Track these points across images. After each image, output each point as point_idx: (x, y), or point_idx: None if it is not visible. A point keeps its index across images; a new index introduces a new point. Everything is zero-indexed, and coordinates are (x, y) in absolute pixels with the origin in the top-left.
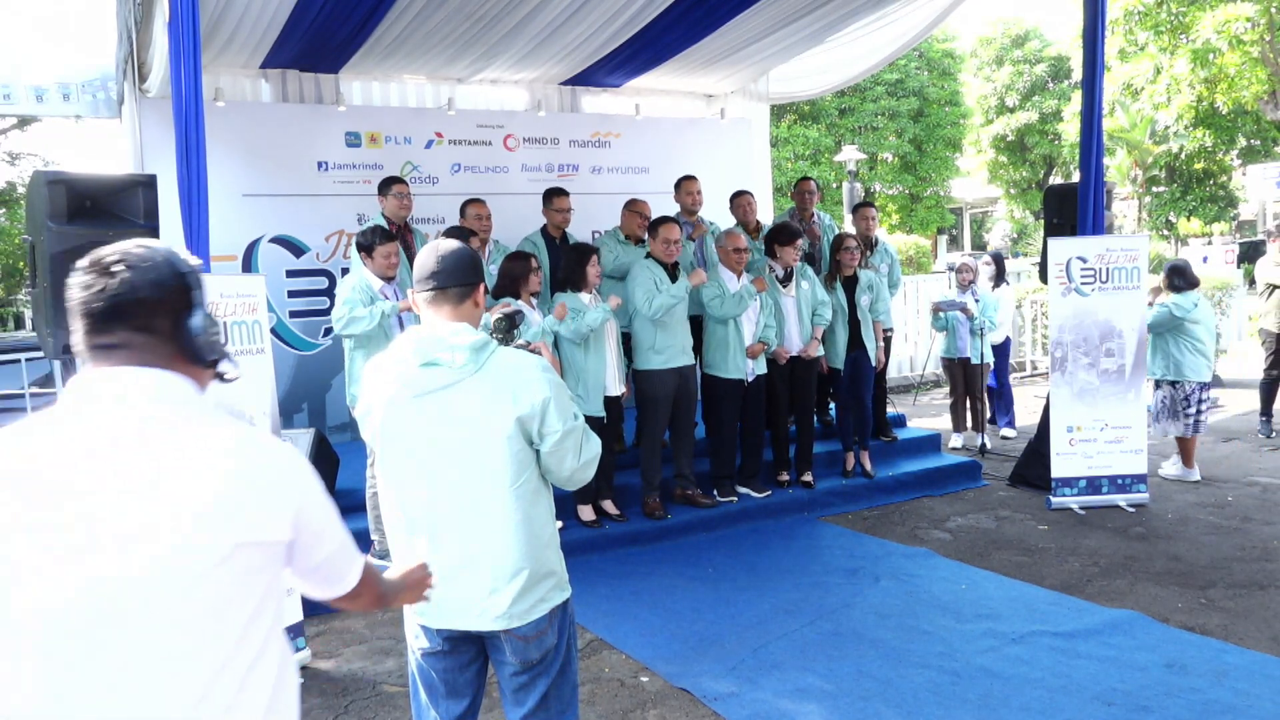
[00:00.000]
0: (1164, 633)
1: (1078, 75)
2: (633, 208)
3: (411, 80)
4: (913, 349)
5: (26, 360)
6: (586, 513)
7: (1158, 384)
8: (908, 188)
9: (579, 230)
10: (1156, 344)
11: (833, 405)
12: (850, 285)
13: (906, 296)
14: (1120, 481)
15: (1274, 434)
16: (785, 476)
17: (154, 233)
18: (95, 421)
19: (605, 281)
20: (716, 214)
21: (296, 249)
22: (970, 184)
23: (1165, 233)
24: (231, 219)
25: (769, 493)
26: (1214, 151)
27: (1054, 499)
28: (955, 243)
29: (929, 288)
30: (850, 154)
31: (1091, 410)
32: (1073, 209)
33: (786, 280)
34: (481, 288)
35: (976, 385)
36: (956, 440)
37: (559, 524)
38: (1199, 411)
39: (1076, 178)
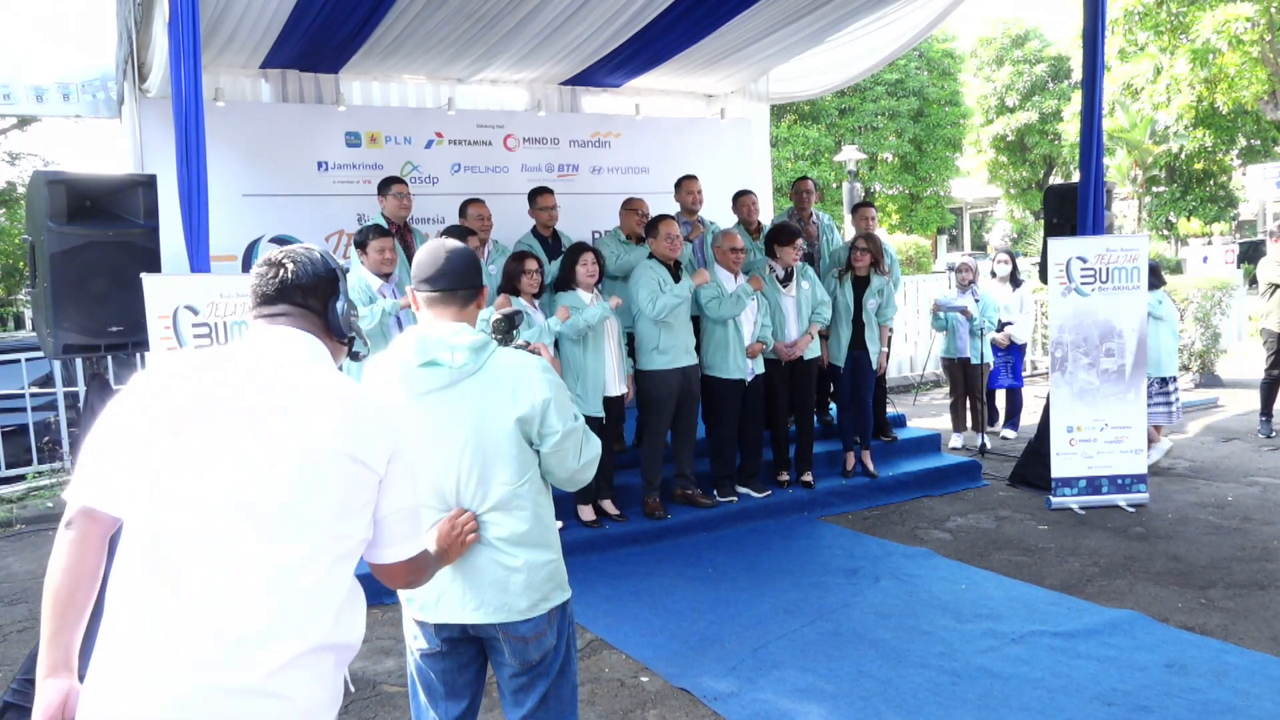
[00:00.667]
0: (1164, 633)
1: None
2: (630, 206)
3: (411, 80)
4: (913, 349)
5: (26, 360)
6: (586, 513)
7: None
8: (908, 188)
9: (579, 231)
10: None
11: (833, 405)
12: (860, 286)
13: (906, 296)
14: (1120, 481)
15: (1274, 434)
16: (785, 476)
17: (154, 233)
18: (259, 358)
19: (609, 282)
20: (717, 214)
21: None
22: (970, 184)
23: (1165, 233)
24: (231, 219)
25: (769, 493)
26: (1214, 151)
27: (1054, 499)
28: (955, 243)
29: (929, 288)
30: (850, 154)
31: (1091, 410)
32: (1073, 209)
33: (787, 280)
34: (485, 291)
35: (977, 385)
36: (956, 440)
37: (559, 524)
38: (1172, 400)
39: (1076, 178)
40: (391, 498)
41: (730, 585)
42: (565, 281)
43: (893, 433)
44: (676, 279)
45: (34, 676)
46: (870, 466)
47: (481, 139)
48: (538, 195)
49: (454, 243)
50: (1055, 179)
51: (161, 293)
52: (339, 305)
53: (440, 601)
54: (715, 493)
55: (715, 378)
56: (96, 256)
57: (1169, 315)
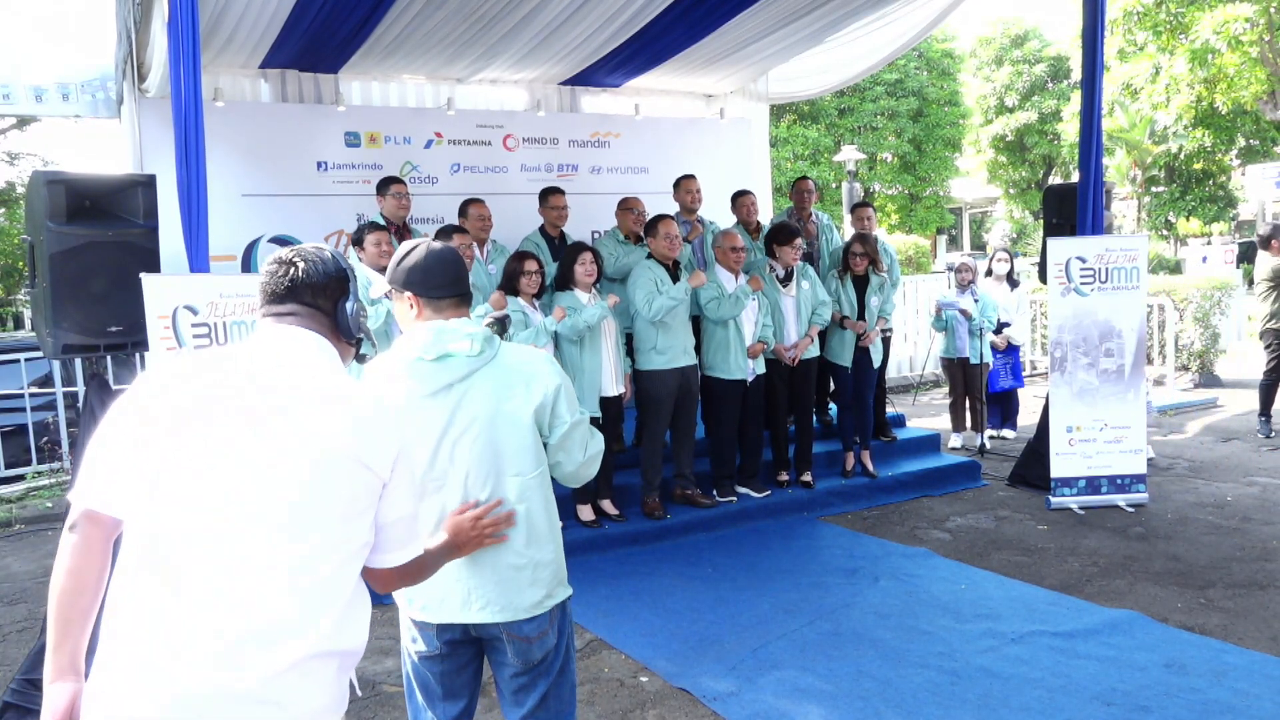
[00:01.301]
0: (1163, 633)
1: (1077, 75)
2: (626, 206)
3: (411, 80)
4: (912, 349)
5: (26, 360)
6: (586, 513)
7: None
8: (907, 188)
9: (579, 230)
10: None
11: (833, 405)
12: (861, 285)
13: (906, 296)
14: (1120, 481)
15: (1273, 434)
16: (785, 476)
17: (153, 233)
18: (263, 358)
19: (608, 283)
20: (716, 214)
21: None
22: (969, 184)
23: (1164, 233)
24: (231, 219)
25: (768, 493)
26: (1213, 151)
27: (1053, 499)
28: (955, 243)
29: (928, 287)
30: (850, 154)
31: (1091, 410)
32: (1072, 209)
33: (786, 280)
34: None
35: (976, 385)
36: (956, 440)
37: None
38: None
39: (1076, 178)
40: (393, 503)
41: (730, 585)
42: (564, 281)
43: (892, 433)
44: (675, 279)
45: (34, 676)
46: (870, 466)
47: (481, 139)
48: (549, 195)
49: (452, 249)
50: (1055, 179)
51: (161, 293)
52: (349, 306)
53: (444, 602)
54: (715, 493)
55: (716, 378)
56: (96, 256)
57: None
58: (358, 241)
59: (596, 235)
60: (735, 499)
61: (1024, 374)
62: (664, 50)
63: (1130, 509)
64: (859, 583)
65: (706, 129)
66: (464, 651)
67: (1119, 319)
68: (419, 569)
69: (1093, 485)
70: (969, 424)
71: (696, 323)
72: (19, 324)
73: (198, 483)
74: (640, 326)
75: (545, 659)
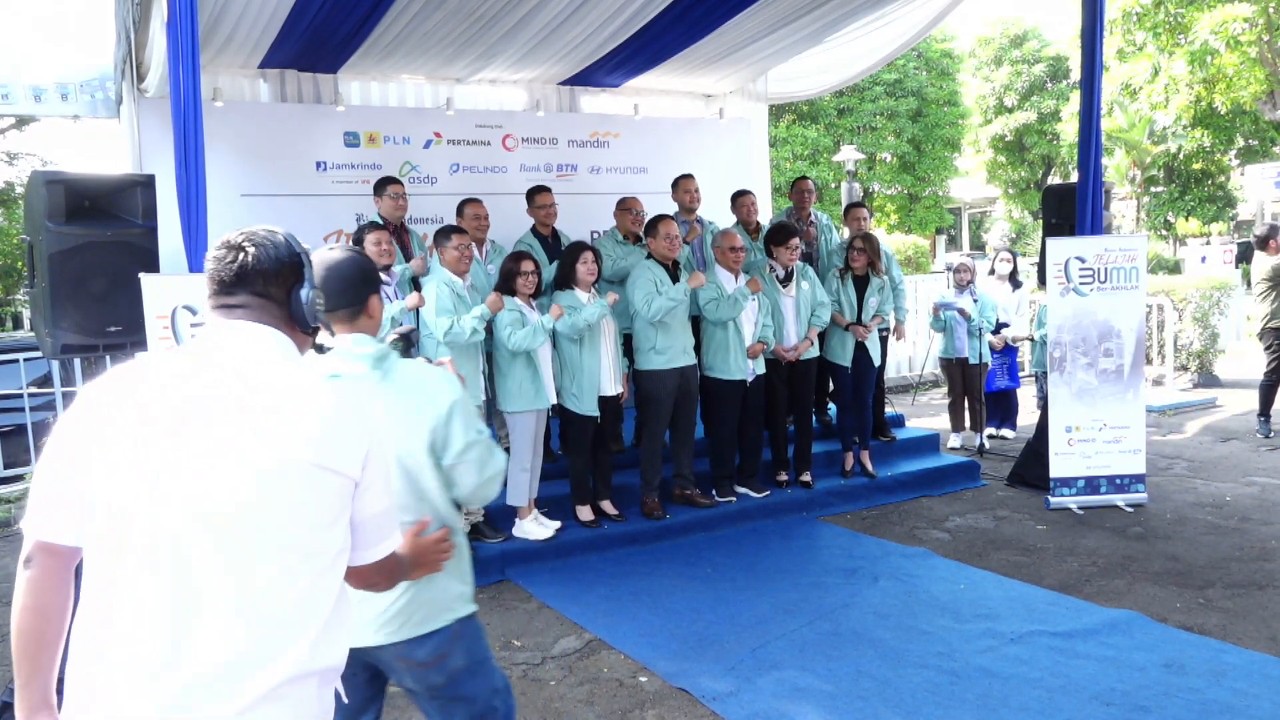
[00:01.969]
0: (1162, 633)
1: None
2: (624, 206)
3: (410, 80)
4: (911, 349)
5: (25, 360)
6: (585, 513)
7: (1044, 373)
8: (906, 188)
9: (577, 230)
10: (1043, 339)
11: (832, 405)
12: (861, 285)
13: (905, 295)
14: (1119, 481)
15: (1272, 434)
16: (784, 476)
17: (152, 233)
18: (217, 361)
19: (605, 284)
20: (715, 214)
21: None
22: (969, 184)
23: (1164, 233)
24: (230, 219)
25: (768, 493)
26: (1212, 152)
27: (1052, 499)
28: (954, 243)
29: (928, 287)
30: (849, 154)
31: (1090, 410)
32: (1071, 209)
33: (786, 280)
34: (373, 299)
35: (975, 385)
36: (955, 440)
37: (557, 524)
38: None
39: (1075, 178)
40: (368, 501)
41: (729, 585)
42: (564, 280)
43: (891, 433)
44: (675, 279)
45: None
46: (869, 466)
47: (480, 139)
48: (535, 194)
49: (338, 255)
50: (1054, 179)
51: (160, 293)
52: (304, 293)
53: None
54: (714, 493)
55: (716, 379)
56: (95, 256)
57: None
58: (358, 241)
59: (596, 235)
60: (734, 499)
61: (1022, 374)
62: (663, 50)
63: (1129, 509)
64: (858, 583)
65: (706, 129)
66: (361, 672)
67: (1118, 319)
68: (391, 569)
69: (1092, 485)
70: (968, 424)
71: (696, 323)
72: (18, 324)
73: (152, 503)
74: (640, 326)
75: (450, 682)
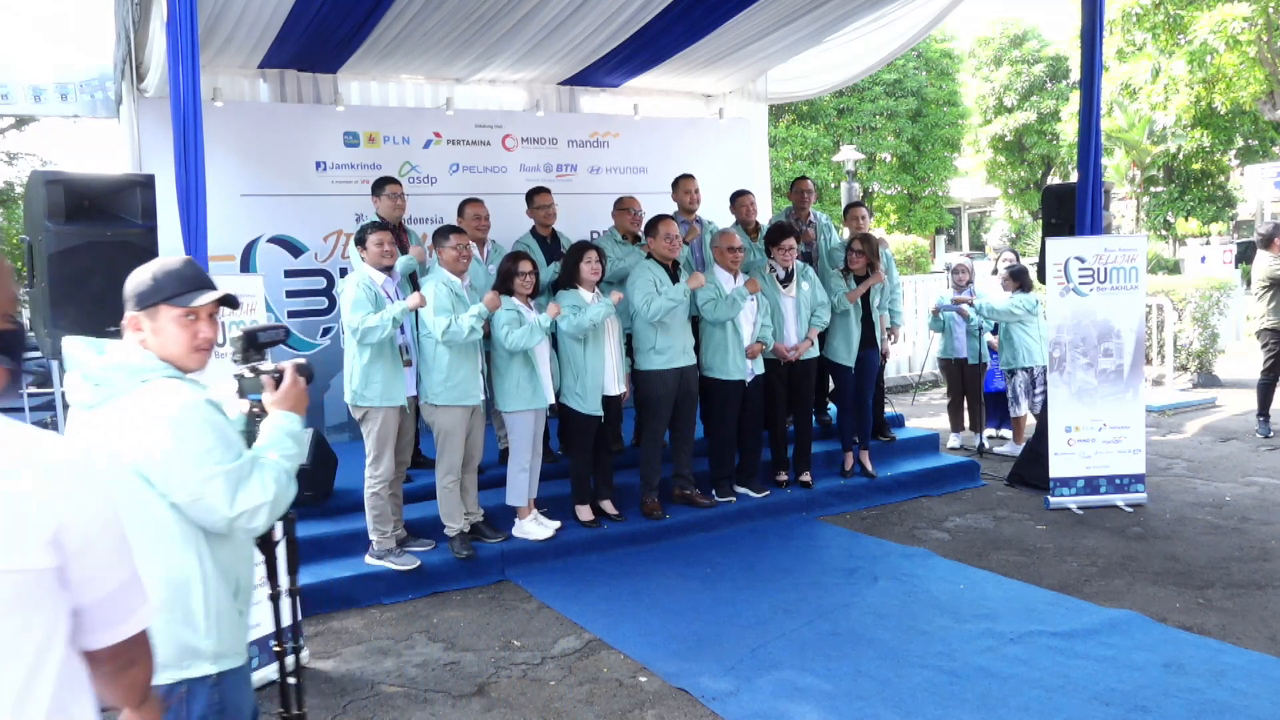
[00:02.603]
0: (1162, 633)
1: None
2: (622, 205)
3: (410, 80)
4: (911, 349)
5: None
6: (585, 513)
7: (1013, 371)
8: (906, 188)
9: (577, 230)
10: (1007, 336)
11: (831, 405)
12: (864, 281)
13: (904, 296)
14: (1118, 481)
15: (1272, 434)
16: (784, 477)
17: (152, 233)
18: None
19: (604, 285)
20: (715, 214)
21: (295, 249)
22: (968, 184)
23: (1163, 233)
24: (230, 219)
25: (767, 493)
26: (1212, 152)
27: (1052, 499)
28: (953, 243)
29: (927, 287)
30: (849, 154)
31: (1090, 410)
32: (1071, 209)
33: (787, 281)
34: (133, 318)
35: (975, 385)
36: (954, 440)
37: (556, 524)
38: (1043, 390)
39: (1075, 178)
40: (94, 583)
41: (729, 585)
42: (568, 280)
43: (891, 433)
44: (675, 279)
45: None
46: (869, 466)
47: (480, 139)
48: (535, 195)
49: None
50: (1053, 179)
51: None
52: None
53: None
54: (714, 493)
55: (715, 379)
56: (94, 256)
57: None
58: (360, 241)
59: (595, 235)
60: (734, 499)
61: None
62: (663, 50)
63: (1129, 509)
64: (858, 583)
65: (705, 129)
66: None
67: (1118, 319)
68: (137, 655)
69: (1091, 485)
70: (967, 424)
71: (695, 323)
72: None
73: None
74: (639, 327)
75: None
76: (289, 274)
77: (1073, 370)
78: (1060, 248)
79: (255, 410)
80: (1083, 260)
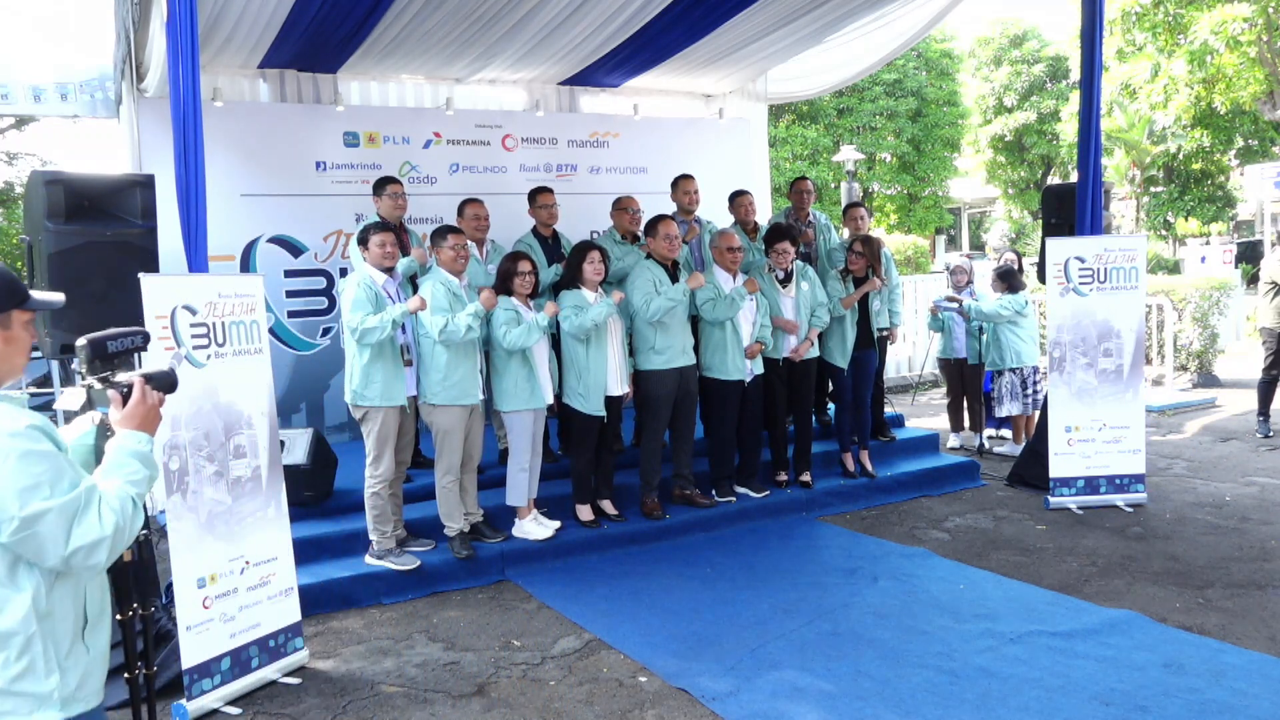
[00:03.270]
0: (1162, 633)
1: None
2: (621, 205)
3: (410, 80)
4: (910, 349)
5: None
6: (585, 513)
7: (1000, 372)
8: (906, 188)
9: (578, 231)
10: (995, 337)
11: (831, 405)
12: (861, 286)
13: (904, 296)
14: (1118, 481)
15: (1271, 434)
16: (784, 477)
17: (151, 233)
18: None
19: (606, 285)
20: (715, 214)
21: (295, 249)
22: (968, 184)
23: (1163, 233)
24: (230, 219)
25: (767, 493)
26: (1212, 152)
27: (1052, 499)
28: (953, 243)
29: (927, 288)
30: (848, 154)
31: (1090, 410)
32: (1071, 209)
33: (786, 281)
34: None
35: (974, 385)
36: (954, 440)
37: (556, 524)
38: (1035, 391)
39: (1074, 178)
40: None
41: (728, 585)
42: (571, 280)
43: (891, 433)
44: (675, 279)
45: None
46: (869, 466)
47: (480, 139)
48: (537, 194)
49: None
50: (1053, 179)
51: (159, 293)
52: None
53: None
54: (714, 493)
55: (715, 379)
56: (94, 256)
57: (1033, 312)
58: (362, 241)
59: (595, 235)
60: (734, 499)
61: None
62: (663, 50)
63: (1129, 509)
64: (857, 583)
65: (705, 129)
66: None
67: (1118, 319)
68: None
69: (1091, 485)
70: (967, 424)
71: (695, 323)
72: None
73: None
74: (639, 327)
75: None
76: (289, 274)
77: (1073, 370)
78: (1060, 248)
79: (108, 424)
80: (1083, 260)
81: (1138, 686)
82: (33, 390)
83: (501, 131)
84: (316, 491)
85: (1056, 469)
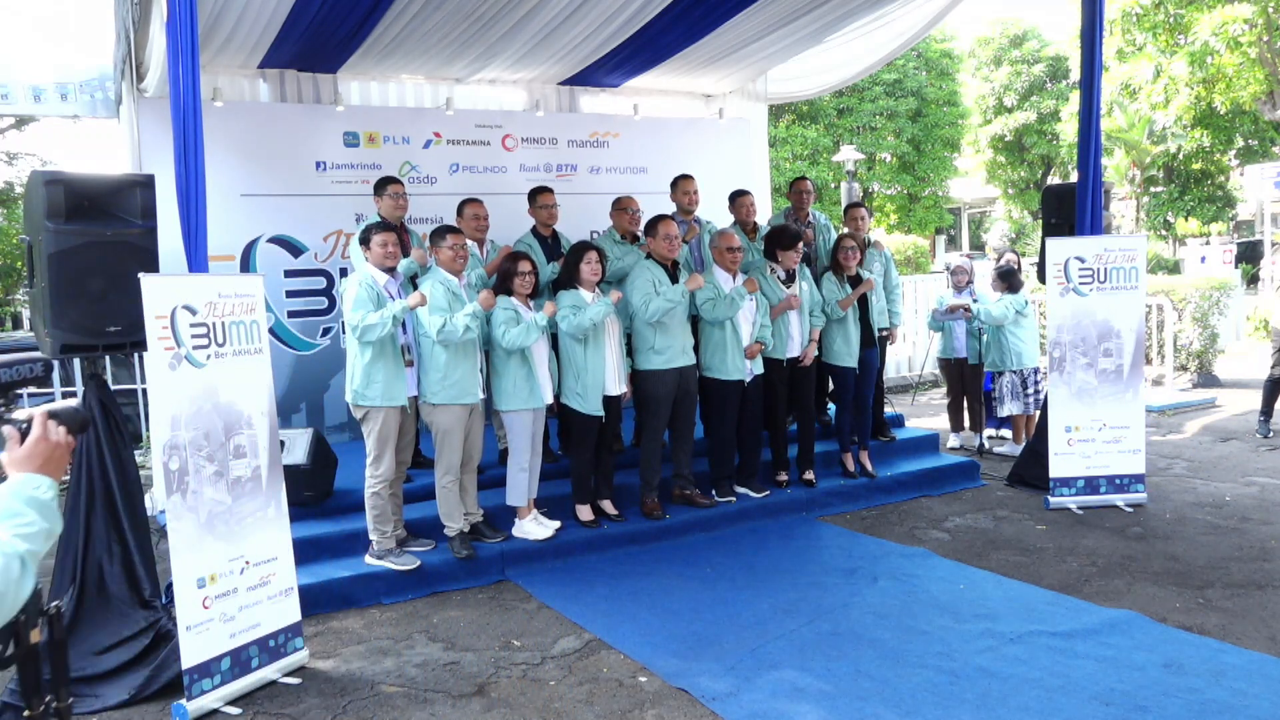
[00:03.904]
0: (1162, 632)
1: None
2: (620, 205)
3: (410, 80)
4: (911, 349)
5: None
6: (585, 513)
7: (1000, 372)
8: (906, 188)
9: (577, 231)
10: (996, 338)
11: (831, 405)
12: (858, 286)
13: (904, 297)
14: (1118, 481)
15: (1271, 434)
16: (784, 476)
17: (151, 233)
18: None
19: (606, 285)
20: (715, 214)
21: (295, 249)
22: (968, 184)
23: (1163, 233)
24: (230, 219)
25: (767, 493)
26: (1212, 152)
27: (1052, 499)
28: (953, 243)
29: (927, 288)
30: (848, 154)
31: (1090, 410)
32: (1071, 209)
33: (789, 282)
34: None
35: (974, 385)
36: (954, 440)
37: (556, 524)
38: (1036, 391)
39: (1074, 178)
40: None
41: (728, 585)
42: (569, 280)
43: (891, 433)
44: (674, 279)
45: None
46: (869, 466)
47: (480, 139)
48: (537, 194)
49: None
50: (1053, 179)
51: (159, 293)
52: None
53: None
54: (714, 493)
55: (714, 379)
56: (94, 256)
57: (1033, 312)
58: (364, 241)
59: (595, 235)
60: (734, 499)
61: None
62: (663, 50)
63: (1129, 509)
64: (857, 583)
65: (705, 129)
66: None
67: (1118, 319)
68: None
69: (1091, 485)
70: (967, 424)
71: (695, 323)
72: (17, 324)
73: None
74: (638, 327)
75: None
76: (289, 274)
77: (1073, 370)
78: (1060, 248)
79: None
80: (1083, 260)
81: (1138, 686)
82: (32, 390)
83: (501, 131)
84: (316, 491)
85: (1056, 469)
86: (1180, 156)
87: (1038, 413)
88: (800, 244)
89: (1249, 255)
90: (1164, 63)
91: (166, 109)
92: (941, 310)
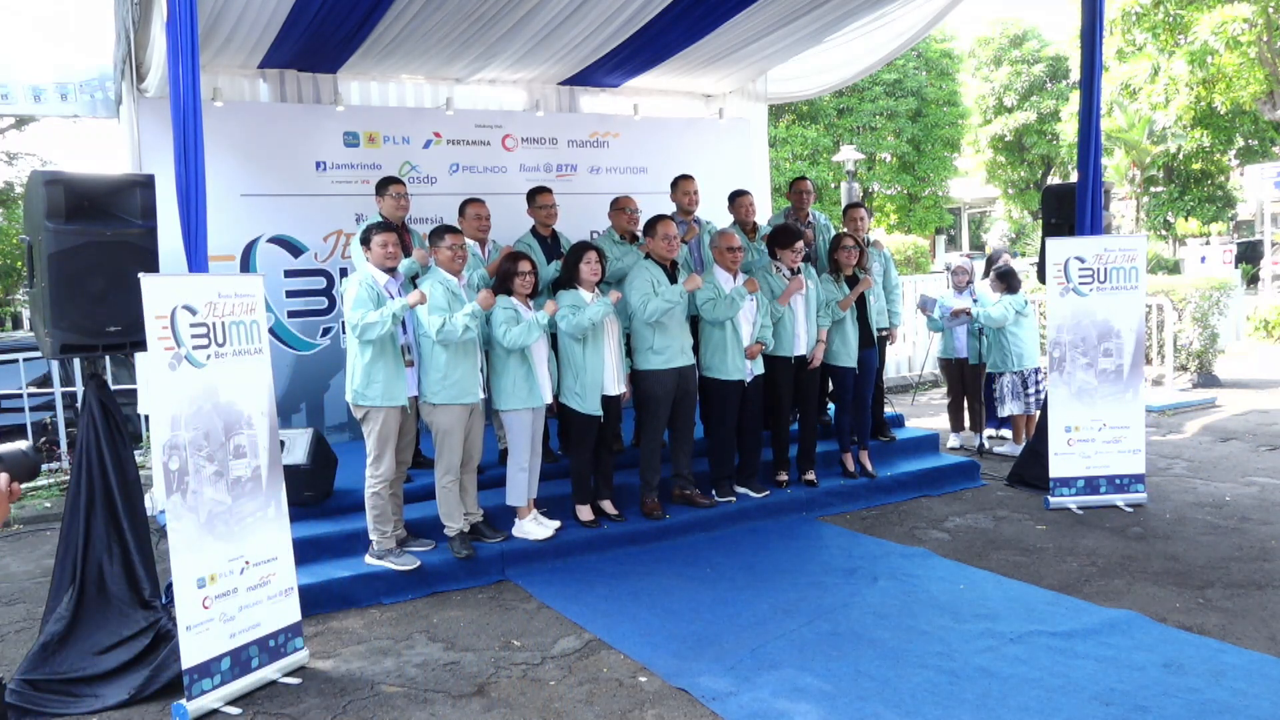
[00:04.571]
0: (1162, 633)
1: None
2: (619, 205)
3: (410, 80)
4: (911, 349)
5: (24, 360)
6: (585, 513)
7: (1001, 373)
8: (906, 188)
9: (577, 231)
10: (996, 340)
11: (831, 405)
12: (856, 287)
13: (904, 297)
14: (1118, 481)
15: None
16: (784, 476)
17: (151, 233)
18: None
19: (605, 285)
20: (715, 214)
21: (295, 249)
22: (968, 184)
23: (1163, 233)
24: (230, 219)
25: (767, 493)
26: (1212, 152)
27: (1052, 499)
28: (953, 243)
29: (927, 288)
30: (848, 154)
31: (1090, 410)
32: (1071, 209)
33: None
34: None
35: (974, 385)
36: (954, 440)
37: (556, 524)
38: (1037, 391)
39: (1074, 178)
40: None
41: (728, 585)
42: (568, 280)
43: (891, 433)
44: (673, 279)
45: (34, 677)
46: (869, 466)
47: (480, 139)
48: (536, 194)
49: None
50: (1053, 179)
51: (159, 293)
52: None
53: None
54: (714, 493)
55: (714, 379)
56: (94, 256)
57: (1033, 313)
58: (365, 241)
59: (594, 235)
60: (734, 499)
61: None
62: (663, 50)
63: (1129, 509)
64: (857, 583)
65: (705, 129)
66: None
67: (1118, 319)
68: None
69: (1091, 485)
70: (967, 424)
71: (695, 323)
72: (17, 324)
73: None
74: (638, 327)
75: None
76: (289, 274)
77: (1072, 370)
78: (1060, 248)
79: None
80: (1083, 260)
81: (1138, 686)
82: (32, 390)
83: (501, 131)
84: (316, 491)
85: (1056, 469)
86: (1180, 156)
87: (1038, 413)
88: (799, 244)
89: (1249, 255)
90: (1163, 63)
91: (166, 109)
92: (945, 315)
